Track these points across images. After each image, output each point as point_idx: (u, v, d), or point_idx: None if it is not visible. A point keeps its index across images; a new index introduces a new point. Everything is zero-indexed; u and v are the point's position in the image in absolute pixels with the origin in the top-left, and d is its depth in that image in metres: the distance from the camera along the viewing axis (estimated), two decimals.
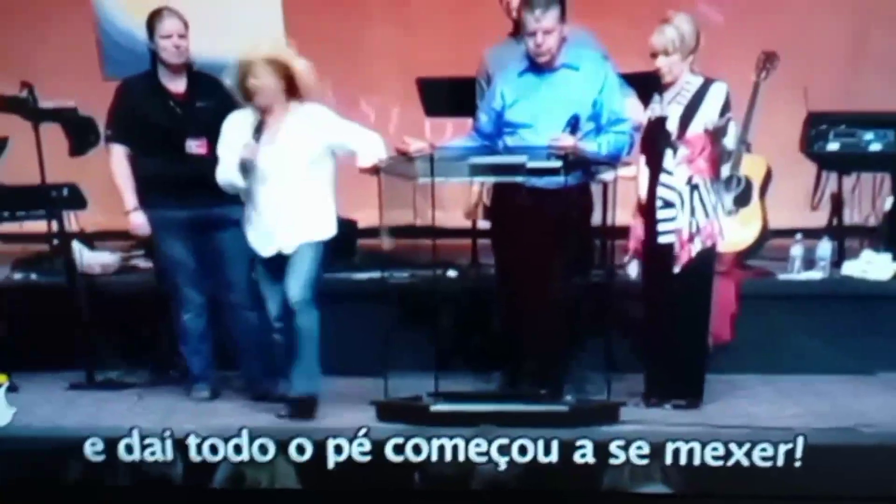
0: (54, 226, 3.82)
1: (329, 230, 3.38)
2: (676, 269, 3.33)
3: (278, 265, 3.37)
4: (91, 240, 4.01)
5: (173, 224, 3.49)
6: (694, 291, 3.36)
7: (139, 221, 3.51)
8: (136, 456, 3.11)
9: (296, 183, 3.34)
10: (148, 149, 3.49)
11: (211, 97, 3.46)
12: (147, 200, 3.51)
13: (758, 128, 3.60)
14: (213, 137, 3.41)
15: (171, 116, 3.47)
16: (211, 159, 3.39)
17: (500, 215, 3.48)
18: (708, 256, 3.35)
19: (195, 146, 3.44)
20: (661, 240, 3.35)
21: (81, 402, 3.52)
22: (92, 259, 3.90)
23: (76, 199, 3.83)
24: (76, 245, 3.85)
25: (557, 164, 3.24)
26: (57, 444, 3.13)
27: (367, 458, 3.07)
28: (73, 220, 3.89)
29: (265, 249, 3.38)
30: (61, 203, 3.78)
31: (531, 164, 3.25)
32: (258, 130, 3.31)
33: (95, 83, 3.70)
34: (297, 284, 3.34)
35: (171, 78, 3.47)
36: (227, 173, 3.32)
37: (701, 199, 3.32)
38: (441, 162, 3.28)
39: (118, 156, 3.50)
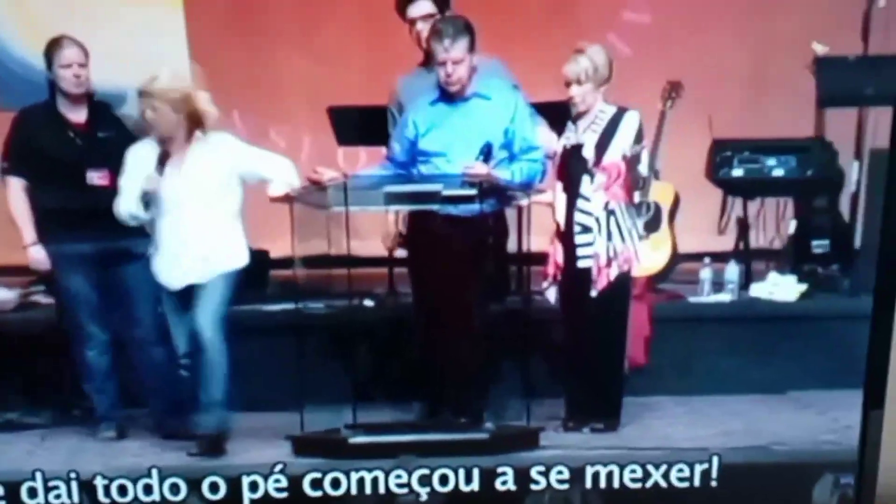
0: None
1: (239, 260, 3.36)
2: (594, 294, 3.42)
3: (186, 298, 3.33)
4: None
5: (75, 258, 3.43)
6: (611, 315, 3.45)
7: (39, 256, 3.44)
8: (40, 500, 3.07)
9: (203, 213, 3.31)
10: (47, 181, 3.41)
11: (113, 127, 3.41)
12: (47, 234, 3.44)
13: (665, 155, 3.70)
14: (115, 168, 3.35)
15: (70, 147, 3.40)
16: (113, 190, 3.33)
17: (415, 243, 3.51)
18: (624, 280, 3.45)
19: (97, 177, 3.38)
20: (580, 264, 3.43)
21: None
22: None
23: None
24: None
25: (472, 191, 3.31)
26: None
27: (285, 495, 3.07)
28: None
29: (173, 283, 3.34)
30: None
31: (446, 192, 3.30)
32: (161, 162, 3.28)
33: None
34: (205, 318, 3.31)
35: (71, 108, 3.40)
36: (128, 205, 3.28)
37: (618, 224, 3.43)
38: (355, 191, 3.29)
39: (15, 189, 3.42)
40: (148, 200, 3.26)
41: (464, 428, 3.31)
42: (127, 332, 3.49)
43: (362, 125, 3.72)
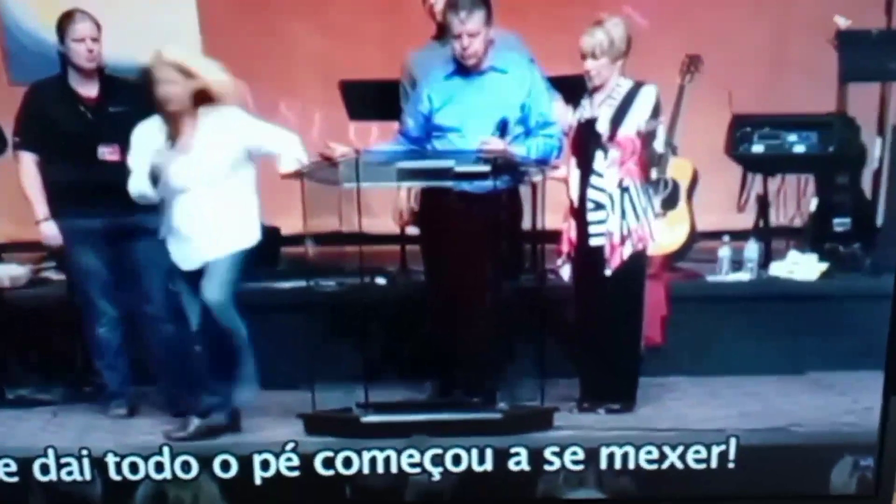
0: None
1: (252, 237, 3.38)
2: (608, 272, 3.43)
3: (200, 276, 3.37)
4: None
5: (85, 234, 3.47)
6: (626, 294, 3.46)
7: (51, 232, 3.48)
8: (52, 476, 3.12)
9: (214, 190, 3.33)
10: (58, 156, 3.45)
11: (125, 102, 3.43)
12: (58, 209, 3.48)
13: (683, 131, 3.71)
14: (126, 143, 3.37)
15: (82, 122, 3.44)
16: (124, 166, 3.36)
17: (428, 220, 3.53)
18: (639, 259, 3.46)
19: (107, 152, 3.41)
20: (592, 242, 3.44)
21: None
22: (0, 272, 3.81)
23: None
24: None
25: (486, 168, 3.32)
26: None
27: (296, 473, 3.12)
28: None
29: (187, 262, 3.37)
30: None
31: (459, 169, 3.32)
32: (171, 138, 3.30)
33: (1, 88, 3.64)
34: (216, 295, 3.32)
35: (83, 82, 3.44)
36: (137, 184, 3.30)
37: (632, 202, 3.43)
38: (367, 167, 3.31)
39: (27, 163, 3.46)
40: (157, 178, 3.28)
41: (477, 407, 3.34)
42: (138, 308, 3.52)
43: (374, 100, 3.73)
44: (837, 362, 3.51)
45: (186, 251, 3.37)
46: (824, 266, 3.79)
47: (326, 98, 3.68)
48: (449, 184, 3.33)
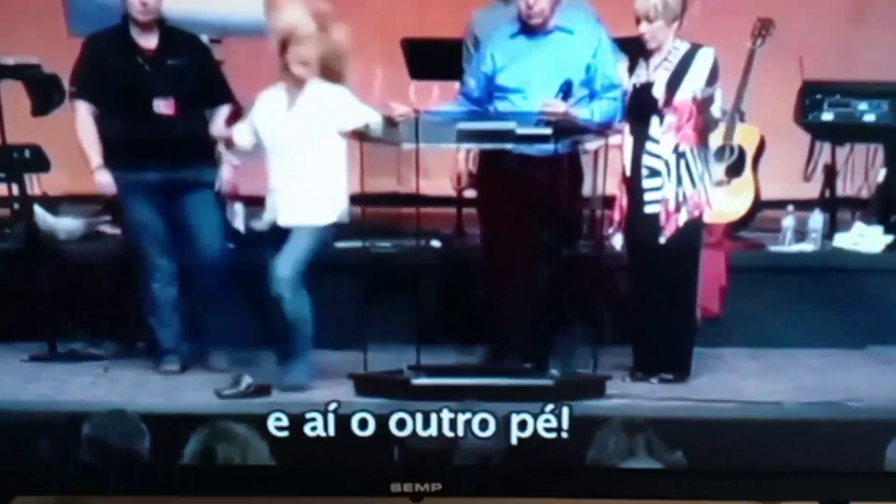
0: (15, 190, 3.87)
1: (336, 213, 3.50)
2: (662, 241, 3.52)
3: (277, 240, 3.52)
4: (55, 204, 4.03)
5: (141, 187, 3.61)
6: (681, 263, 3.55)
7: (105, 180, 3.61)
8: (101, 431, 3.23)
9: (310, 159, 3.49)
10: (114, 107, 3.59)
11: (184, 55, 3.58)
12: (113, 162, 3.61)
13: (752, 96, 3.77)
14: (182, 97, 3.54)
15: (139, 73, 3.56)
16: (179, 120, 3.52)
17: (486, 183, 3.64)
18: (695, 227, 3.54)
19: (162, 106, 3.55)
20: (647, 210, 3.52)
21: (43, 374, 3.61)
22: (55, 224, 3.94)
23: (39, 162, 3.87)
24: (39, 210, 3.90)
25: (547, 131, 3.40)
26: (16, 418, 3.25)
27: (344, 433, 3.23)
28: (36, 184, 3.92)
29: (272, 220, 3.53)
30: (23, 165, 3.83)
31: (520, 131, 3.40)
32: (286, 104, 3.48)
33: (60, 39, 3.75)
34: (287, 265, 3.46)
35: (142, 34, 3.56)
36: (238, 135, 3.51)
37: (688, 168, 3.51)
38: (426, 127, 3.41)
39: (83, 113, 3.60)
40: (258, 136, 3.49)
41: (528, 374, 3.44)
42: (192, 263, 3.65)
43: (437, 59, 3.82)
44: None
45: (277, 209, 3.52)
46: (890, 238, 3.86)
47: (388, 56, 3.78)
48: (509, 146, 3.42)
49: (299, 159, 3.51)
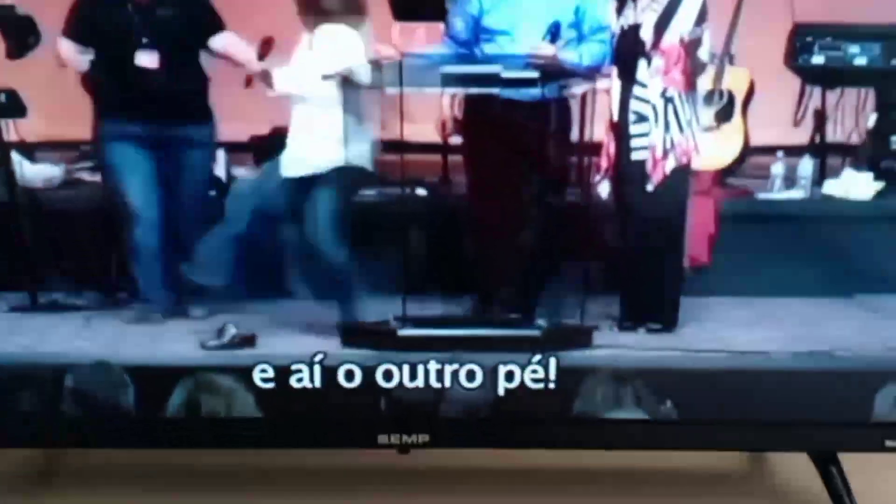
0: None
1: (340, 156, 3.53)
2: (650, 188, 3.51)
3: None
4: (32, 151, 3.95)
5: (125, 137, 3.57)
6: (668, 211, 3.53)
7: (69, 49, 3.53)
8: (84, 384, 3.24)
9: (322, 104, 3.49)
10: (101, 56, 3.54)
11: (176, 5, 3.52)
12: (100, 111, 3.56)
13: (742, 39, 3.74)
14: (167, 49, 3.48)
15: (127, 23, 3.52)
16: (163, 73, 3.48)
17: (472, 129, 3.60)
18: (683, 174, 3.52)
19: (145, 59, 3.50)
20: (634, 156, 3.51)
21: (23, 325, 3.58)
22: (33, 172, 3.89)
23: (14, 107, 3.76)
24: (15, 156, 3.84)
25: (534, 74, 3.37)
26: None
27: (331, 384, 3.24)
28: (12, 130, 3.83)
29: (291, 169, 3.52)
30: None
31: (506, 74, 3.37)
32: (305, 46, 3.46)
33: None
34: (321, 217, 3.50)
35: None
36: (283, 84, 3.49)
37: (675, 113, 3.49)
38: (410, 70, 3.37)
39: (69, 48, 3.54)
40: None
41: (515, 324, 3.45)
42: (176, 213, 3.63)
43: None
44: (888, 285, 3.58)
45: (294, 159, 3.51)
46: (880, 185, 3.84)
47: None
48: (495, 91, 3.39)
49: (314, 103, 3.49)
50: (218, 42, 3.55)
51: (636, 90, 3.49)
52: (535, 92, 3.39)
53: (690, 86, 3.51)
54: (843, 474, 3.34)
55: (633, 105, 3.49)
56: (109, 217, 3.69)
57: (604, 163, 3.58)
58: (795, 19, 3.87)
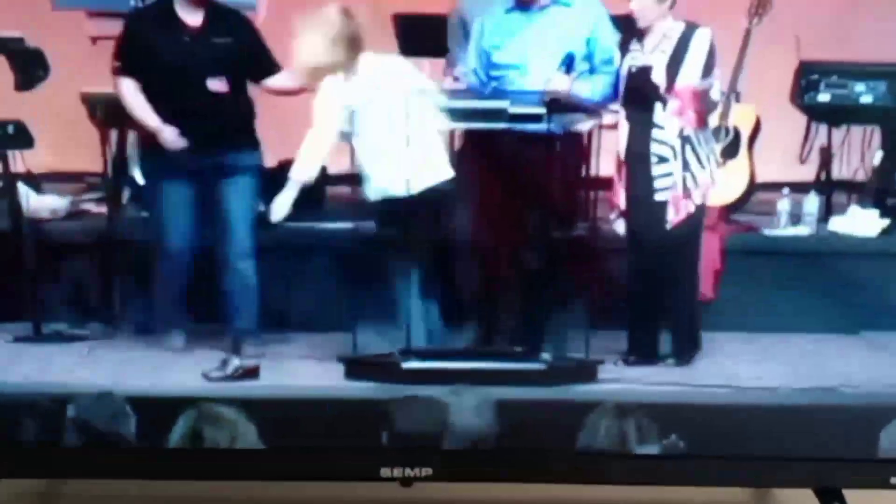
0: None
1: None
2: (668, 227, 3.53)
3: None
4: (38, 182, 4.01)
5: (177, 169, 3.59)
6: (686, 247, 3.56)
7: (172, 136, 3.54)
8: (86, 414, 3.22)
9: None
10: (156, 83, 3.57)
11: (232, 33, 3.56)
12: (150, 142, 3.60)
13: (748, 77, 3.77)
14: (227, 75, 3.52)
15: (182, 50, 3.55)
16: (222, 97, 3.52)
17: (476, 162, 3.60)
18: (699, 210, 3.55)
19: (208, 84, 3.53)
20: (657, 197, 3.52)
21: (27, 355, 3.60)
22: (39, 203, 3.93)
23: (22, 138, 3.82)
24: (22, 187, 3.87)
25: (541, 109, 3.42)
26: (0, 400, 3.24)
27: (334, 417, 3.24)
28: (19, 161, 3.88)
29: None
30: (5, 141, 3.79)
31: (514, 110, 3.42)
32: None
33: (45, 13, 3.76)
34: None
35: (188, 9, 3.54)
36: None
37: (694, 151, 3.52)
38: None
39: (130, 88, 3.57)
40: None
41: (520, 357, 3.47)
42: (220, 248, 3.65)
43: (428, 35, 3.83)
44: (893, 322, 3.60)
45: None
46: (885, 222, 3.88)
47: (377, 32, 3.79)
48: (501, 126, 3.43)
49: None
50: (273, 81, 3.62)
51: (655, 132, 3.51)
52: (541, 127, 3.42)
53: (703, 123, 3.54)
54: None
55: (654, 148, 3.51)
56: (114, 249, 3.74)
57: (616, 201, 3.59)
58: (801, 57, 3.96)
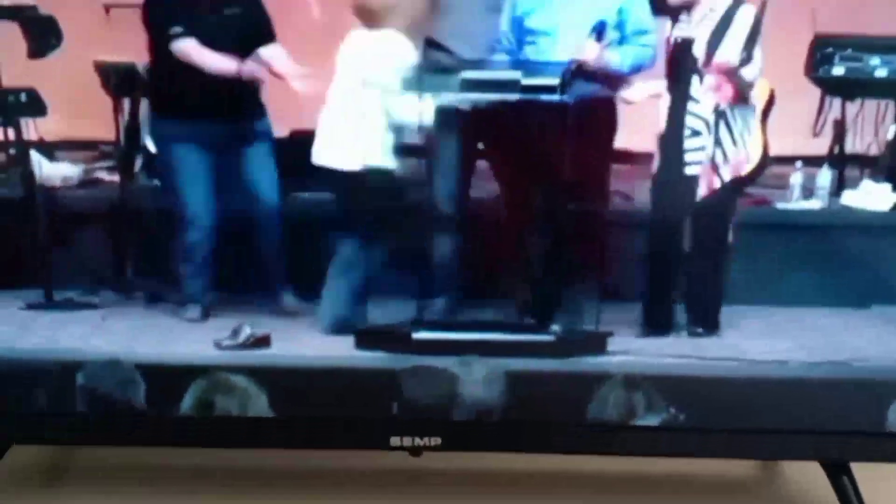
0: (10, 134, 3.86)
1: None
2: (700, 199, 3.54)
3: None
4: (51, 150, 4.04)
5: (185, 138, 3.63)
6: (716, 221, 3.58)
7: (251, 66, 3.58)
8: (96, 382, 3.27)
9: None
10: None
11: (241, 4, 3.59)
12: (170, 110, 3.65)
13: (763, 50, 3.75)
14: (242, 45, 3.56)
15: (200, 19, 3.58)
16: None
17: (495, 131, 3.60)
18: (734, 186, 3.57)
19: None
20: (688, 171, 3.54)
21: (39, 322, 3.65)
22: (52, 170, 3.95)
23: (35, 106, 3.86)
24: (35, 155, 3.90)
25: (555, 81, 3.37)
26: (12, 367, 3.28)
27: (344, 387, 3.27)
28: (32, 129, 3.91)
29: None
30: (18, 109, 3.83)
31: (526, 82, 3.39)
32: None
33: None
34: None
35: None
36: None
37: (728, 127, 3.54)
38: (428, 75, 3.45)
39: (197, 48, 3.58)
40: None
41: (530, 329, 3.49)
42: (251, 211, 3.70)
43: None
44: None
45: None
46: None
47: None
48: (514, 97, 3.41)
49: None
50: (266, 52, 3.64)
51: (690, 106, 3.52)
52: (556, 98, 3.38)
53: (739, 98, 3.54)
54: (855, 484, 3.34)
55: (688, 121, 3.52)
56: (127, 217, 3.76)
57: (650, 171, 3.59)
58: (816, 30, 3.95)
